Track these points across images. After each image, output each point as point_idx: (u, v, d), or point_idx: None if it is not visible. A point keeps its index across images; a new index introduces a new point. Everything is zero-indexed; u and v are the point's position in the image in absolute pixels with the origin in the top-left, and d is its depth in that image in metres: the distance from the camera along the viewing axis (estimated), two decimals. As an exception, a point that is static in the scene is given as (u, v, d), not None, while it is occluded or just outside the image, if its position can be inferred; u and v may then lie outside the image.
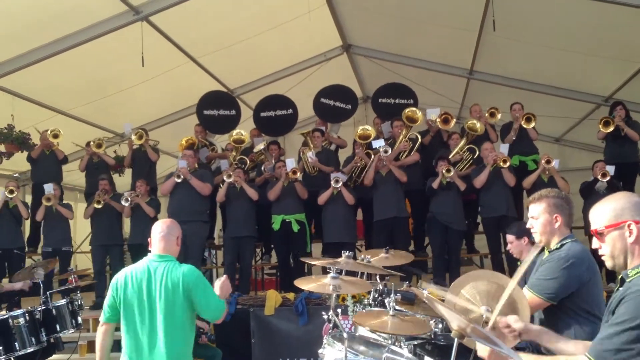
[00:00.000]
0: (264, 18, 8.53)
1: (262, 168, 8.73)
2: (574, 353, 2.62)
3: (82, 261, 10.44)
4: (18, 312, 5.42)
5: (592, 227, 2.43)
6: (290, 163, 7.95)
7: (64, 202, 8.78)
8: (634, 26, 7.27)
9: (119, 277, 3.82)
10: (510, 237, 5.16)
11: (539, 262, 3.54)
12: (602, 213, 2.40)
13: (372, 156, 8.52)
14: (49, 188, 8.27)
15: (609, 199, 2.45)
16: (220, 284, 3.90)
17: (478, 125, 8.52)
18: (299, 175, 7.88)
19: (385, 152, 7.81)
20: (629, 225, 2.32)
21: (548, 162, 7.57)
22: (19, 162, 9.49)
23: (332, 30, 9.60)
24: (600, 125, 8.33)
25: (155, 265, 3.76)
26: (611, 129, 8.22)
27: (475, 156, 8.35)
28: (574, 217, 3.48)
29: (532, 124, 8.28)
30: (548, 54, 8.62)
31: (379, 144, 8.04)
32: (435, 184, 7.68)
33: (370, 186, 8.00)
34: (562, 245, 3.35)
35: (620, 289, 2.35)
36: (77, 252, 10.40)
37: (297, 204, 7.95)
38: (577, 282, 3.25)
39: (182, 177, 7.71)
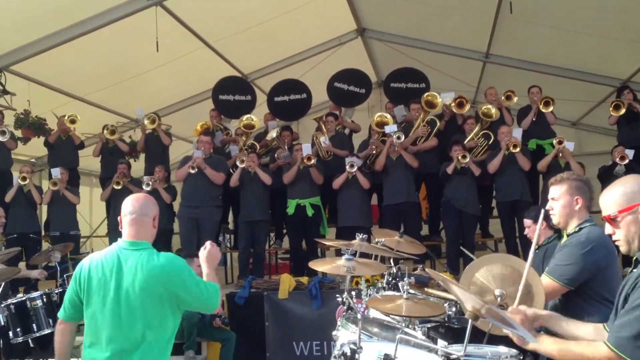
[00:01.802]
0: (278, 2, 8.49)
1: (276, 155, 8.72)
2: (584, 337, 2.61)
3: (99, 245, 10.55)
4: (35, 294, 5.51)
5: (605, 213, 2.40)
6: (307, 148, 7.93)
7: (74, 187, 8.85)
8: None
9: (83, 267, 3.15)
10: (527, 222, 5.13)
11: (558, 247, 3.52)
12: (613, 198, 2.37)
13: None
14: (55, 172, 8.33)
15: (617, 183, 2.41)
16: (207, 253, 3.35)
17: (493, 110, 8.43)
18: (313, 161, 7.85)
19: (399, 138, 7.76)
20: None
21: (560, 142, 7.50)
22: (36, 147, 9.58)
23: (347, 14, 9.52)
24: (611, 109, 8.22)
25: (127, 254, 3.07)
26: (622, 111, 8.11)
27: (491, 142, 8.29)
28: (593, 202, 3.44)
29: (551, 108, 8.19)
30: (565, 37, 8.50)
31: (391, 129, 7.99)
32: (449, 169, 7.65)
33: (381, 171, 7.97)
34: (580, 229, 3.31)
35: (635, 270, 2.33)
36: (94, 236, 10.52)
37: (312, 188, 7.95)
38: (595, 267, 3.21)
39: (196, 168, 7.72)
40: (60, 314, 3.25)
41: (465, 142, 8.21)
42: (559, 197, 3.37)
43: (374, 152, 8.44)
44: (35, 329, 5.36)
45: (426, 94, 8.70)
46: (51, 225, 8.55)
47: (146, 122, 8.96)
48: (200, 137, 8.23)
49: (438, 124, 8.54)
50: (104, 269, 3.06)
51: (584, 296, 3.25)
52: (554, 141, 7.58)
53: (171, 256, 3.12)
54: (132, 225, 3.13)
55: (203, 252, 3.35)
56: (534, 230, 4.90)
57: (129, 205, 3.17)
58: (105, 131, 9.12)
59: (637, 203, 2.30)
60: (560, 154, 7.55)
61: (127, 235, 3.13)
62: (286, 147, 8.70)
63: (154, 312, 3.00)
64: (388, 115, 8.84)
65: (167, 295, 3.01)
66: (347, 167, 7.77)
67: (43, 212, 9.27)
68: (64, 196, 8.33)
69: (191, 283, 3.06)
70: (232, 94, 9.39)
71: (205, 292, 3.08)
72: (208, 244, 3.39)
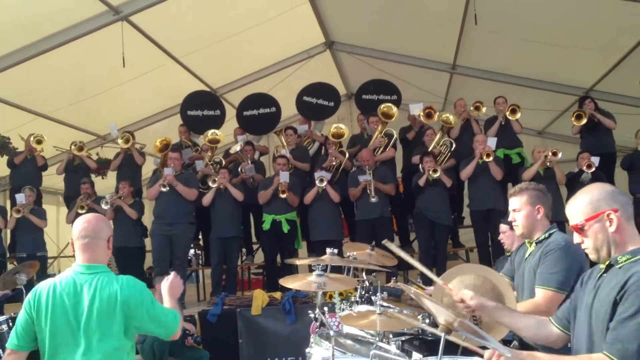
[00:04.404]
0: (246, 16, 8.48)
1: (240, 169, 8.68)
2: (525, 329, 2.68)
3: (66, 265, 10.31)
4: (1, 318, 5.34)
5: (572, 223, 2.41)
6: (284, 176, 7.86)
7: (40, 207, 8.66)
8: (614, 18, 7.33)
9: (37, 293, 3.02)
10: (504, 227, 5.16)
11: (524, 257, 3.54)
12: (579, 207, 2.39)
13: (346, 154, 8.54)
14: (20, 198, 8.16)
15: (582, 192, 2.43)
16: (169, 284, 3.27)
17: (451, 117, 8.56)
18: (287, 195, 7.78)
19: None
20: (608, 215, 2.31)
21: (555, 154, 7.58)
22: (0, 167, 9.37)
23: (315, 27, 9.57)
24: (573, 119, 8.41)
25: (83, 278, 2.98)
26: (584, 121, 8.31)
27: (452, 148, 8.44)
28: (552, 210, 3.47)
29: (517, 115, 8.32)
30: (529, 47, 8.65)
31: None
32: (421, 181, 7.69)
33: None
34: (550, 235, 3.35)
35: (606, 275, 2.33)
36: (61, 257, 10.30)
37: (288, 204, 7.91)
38: (579, 268, 3.20)
39: (167, 186, 7.62)
40: (10, 343, 3.04)
41: (429, 149, 8.29)
42: (520, 208, 3.41)
43: (334, 163, 8.50)
44: (1, 354, 5.19)
45: (382, 105, 8.81)
46: (17, 246, 8.35)
47: (120, 141, 8.82)
48: (169, 154, 8.09)
49: (395, 135, 8.70)
50: (61, 294, 2.96)
51: None
52: (549, 153, 7.58)
53: (131, 280, 3.03)
54: (86, 249, 3.03)
55: (165, 283, 3.27)
56: (509, 236, 4.96)
57: (80, 228, 3.06)
58: (72, 147, 8.95)
59: (603, 211, 2.32)
60: (549, 163, 7.61)
61: (82, 259, 3.04)
62: (249, 161, 8.67)
63: (112, 336, 2.92)
64: (343, 126, 9.04)
65: (126, 320, 2.94)
66: (317, 182, 7.76)
67: (7, 234, 9.04)
68: (28, 220, 8.16)
69: (151, 308, 3.00)
70: (201, 109, 9.31)
71: (164, 317, 3.03)
72: (172, 274, 3.32)
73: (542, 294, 3.22)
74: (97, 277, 2.98)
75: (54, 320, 2.93)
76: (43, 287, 3.02)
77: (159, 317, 3.00)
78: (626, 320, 2.15)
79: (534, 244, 3.44)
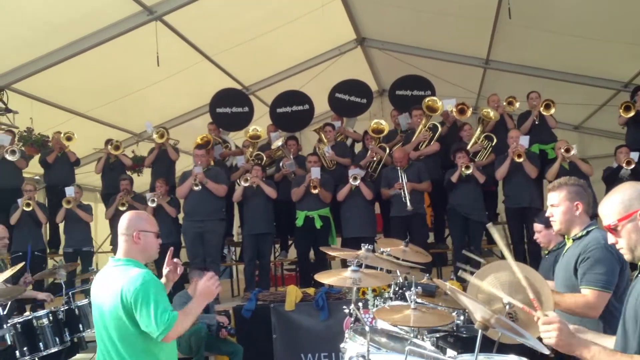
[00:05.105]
0: (277, 14, 8.53)
1: (281, 164, 8.73)
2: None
3: (104, 261, 10.49)
4: (41, 312, 5.48)
5: (605, 223, 2.37)
6: (315, 172, 7.87)
7: (85, 203, 8.86)
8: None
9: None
10: (538, 226, 5.11)
11: (562, 253, 3.49)
12: (611, 207, 2.35)
13: (387, 150, 8.50)
14: (70, 191, 8.36)
15: (614, 192, 2.39)
16: (203, 287, 3.19)
17: (492, 113, 8.45)
18: (319, 190, 7.77)
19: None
20: None
21: (567, 150, 7.47)
22: (31, 165, 9.59)
23: (346, 24, 9.57)
24: (621, 110, 8.18)
25: (109, 271, 3.19)
26: (632, 113, 8.06)
27: (494, 143, 8.30)
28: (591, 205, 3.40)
29: (552, 111, 8.19)
30: (565, 41, 8.51)
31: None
32: (454, 178, 7.63)
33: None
34: (588, 232, 3.28)
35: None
36: (99, 252, 10.50)
37: (320, 200, 7.92)
38: (619, 267, 3.15)
39: (199, 184, 7.69)
40: None
41: (469, 147, 8.21)
42: (558, 204, 3.35)
43: (375, 158, 8.45)
44: (42, 348, 5.31)
45: (427, 98, 8.72)
46: (65, 242, 8.61)
47: (155, 136, 8.92)
48: (195, 152, 8.10)
49: (440, 129, 8.56)
50: (95, 286, 3.23)
51: None
52: (561, 150, 7.51)
53: (135, 274, 3.05)
54: (119, 243, 3.25)
55: (201, 283, 3.21)
56: (545, 235, 4.90)
57: (119, 224, 3.29)
58: (109, 146, 9.12)
59: (635, 210, 2.28)
60: (567, 159, 7.51)
61: (117, 251, 3.28)
62: (291, 157, 8.71)
63: (121, 326, 3.04)
64: (383, 122, 8.93)
65: (126, 312, 3.01)
66: (351, 179, 7.75)
67: (47, 230, 9.26)
68: (76, 214, 8.38)
69: (142, 305, 2.97)
70: (230, 107, 9.37)
71: (154, 319, 2.95)
72: (208, 275, 3.24)
73: (591, 293, 3.15)
74: (118, 269, 3.16)
75: (93, 308, 3.23)
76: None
77: (149, 317, 2.96)
78: None
79: (571, 240, 3.39)
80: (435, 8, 8.57)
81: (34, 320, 5.34)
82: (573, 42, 8.43)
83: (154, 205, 8.06)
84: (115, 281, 3.06)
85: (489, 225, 3.22)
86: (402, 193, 7.65)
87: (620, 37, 8.05)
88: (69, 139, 8.87)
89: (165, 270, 3.43)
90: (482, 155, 8.30)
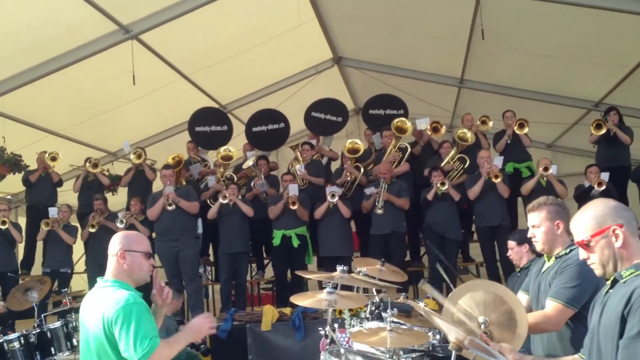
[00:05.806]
0: (254, 33, 8.55)
1: (252, 184, 8.72)
2: None
3: (77, 282, 10.34)
4: (12, 336, 5.38)
5: (578, 239, 2.42)
6: (293, 189, 7.88)
7: (72, 224, 8.80)
8: (622, 32, 7.32)
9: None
10: (511, 244, 5.17)
11: (540, 271, 3.50)
12: (583, 223, 2.40)
13: (361, 170, 8.54)
14: (53, 212, 8.34)
15: (586, 208, 2.44)
16: (195, 324, 3.19)
17: (468, 134, 8.55)
18: (297, 207, 7.80)
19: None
20: (613, 230, 2.32)
21: (546, 169, 7.57)
22: (10, 184, 9.45)
23: (323, 43, 9.63)
24: (592, 128, 8.35)
25: (96, 292, 3.12)
26: (603, 131, 8.23)
27: (466, 165, 8.39)
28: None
29: (525, 130, 8.31)
30: (537, 61, 8.68)
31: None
32: (430, 196, 7.69)
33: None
34: (571, 251, 3.26)
35: (612, 291, 2.33)
36: (75, 273, 10.34)
37: (298, 219, 7.92)
38: (594, 287, 3.09)
39: (172, 204, 7.63)
40: None
41: (442, 165, 8.29)
42: (539, 224, 3.35)
43: (349, 178, 8.49)
44: (10, 372, 5.22)
45: (396, 120, 8.82)
46: (44, 261, 8.53)
47: (132, 156, 8.88)
48: (163, 172, 7.97)
49: (409, 149, 8.67)
50: (82, 307, 3.15)
51: (573, 319, 3.19)
52: (540, 168, 7.62)
53: (120, 296, 2.96)
54: (108, 264, 3.17)
55: (196, 320, 3.20)
56: (517, 252, 4.96)
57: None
58: (87, 164, 9.02)
59: (608, 226, 2.33)
60: (545, 177, 7.62)
61: (105, 274, 3.18)
62: (262, 176, 8.71)
63: (102, 352, 2.96)
64: (359, 142, 9.01)
65: (107, 336, 2.92)
66: (329, 197, 7.76)
67: (20, 250, 9.11)
68: (58, 234, 8.32)
69: (122, 328, 2.87)
70: (209, 125, 9.36)
71: (133, 344, 2.85)
72: (206, 314, 3.28)
73: (552, 306, 3.17)
74: (105, 290, 3.08)
75: (80, 331, 3.17)
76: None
77: (127, 343, 2.86)
78: (637, 337, 2.13)
79: (553, 258, 3.38)
80: (411, 29, 8.69)
81: (5, 344, 5.25)
82: (545, 62, 8.61)
83: (123, 226, 7.96)
84: (100, 303, 2.99)
85: (420, 284, 3.27)
86: (378, 197, 7.71)
87: (591, 58, 8.23)
88: (53, 159, 8.80)
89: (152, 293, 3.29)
90: (452, 175, 8.38)
